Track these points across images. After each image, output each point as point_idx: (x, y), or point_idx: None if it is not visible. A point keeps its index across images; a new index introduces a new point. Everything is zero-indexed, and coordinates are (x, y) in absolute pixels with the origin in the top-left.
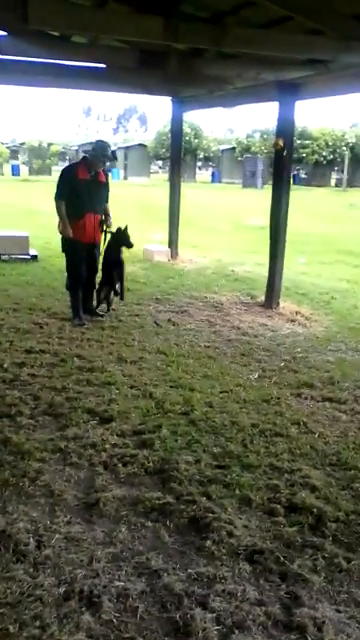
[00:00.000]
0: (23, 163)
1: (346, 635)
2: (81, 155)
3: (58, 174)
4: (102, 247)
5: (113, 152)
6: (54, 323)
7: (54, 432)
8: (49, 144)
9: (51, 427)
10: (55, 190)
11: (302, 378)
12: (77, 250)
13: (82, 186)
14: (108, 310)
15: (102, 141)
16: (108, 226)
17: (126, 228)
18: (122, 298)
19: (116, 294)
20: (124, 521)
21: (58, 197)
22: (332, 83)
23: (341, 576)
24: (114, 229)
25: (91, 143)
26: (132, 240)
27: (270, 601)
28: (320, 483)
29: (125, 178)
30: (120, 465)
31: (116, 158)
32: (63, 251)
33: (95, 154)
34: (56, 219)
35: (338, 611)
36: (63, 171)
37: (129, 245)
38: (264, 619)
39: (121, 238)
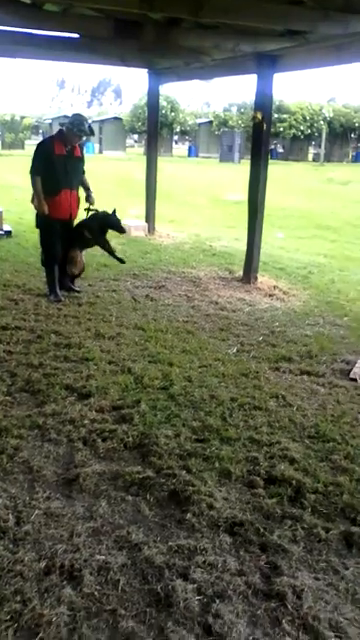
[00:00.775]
0: None
1: (324, 602)
2: (56, 129)
3: (32, 148)
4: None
5: (90, 126)
6: (30, 299)
7: (32, 409)
8: (21, 117)
9: (29, 404)
10: (30, 165)
11: (280, 352)
12: (52, 226)
13: (58, 161)
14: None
15: (79, 115)
16: (91, 203)
17: (114, 212)
18: (123, 261)
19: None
20: (104, 496)
21: (34, 172)
22: (310, 55)
23: (320, 545)
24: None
25: (66, 117)
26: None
27: (250, 571)
28: (299, 455)
29: (100, 152)
30: (99, 440)
31: (93, 133)
32: (37, 227)
33: (72, 128)
34: (30, 194)
35: (317, 579)
36: (38, 146)
37: (121, 230)
38: (244, 588)
39: (109, 221)
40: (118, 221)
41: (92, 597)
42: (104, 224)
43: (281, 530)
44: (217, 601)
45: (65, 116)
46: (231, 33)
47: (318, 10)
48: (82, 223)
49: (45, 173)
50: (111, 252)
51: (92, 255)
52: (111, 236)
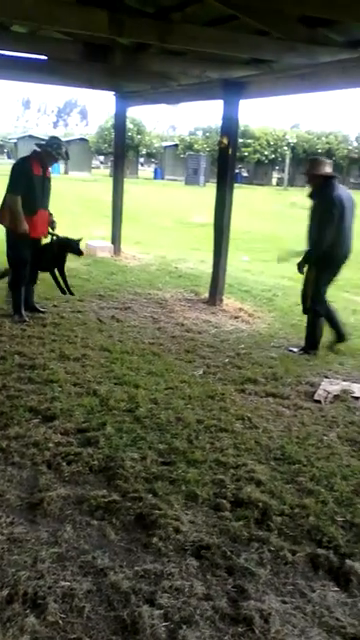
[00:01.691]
0: None
1: (292, 625)
2: (22, 149)
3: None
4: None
5: (66, 151)
6: None
7: None
8: None
9: None
10: (9, 184)
11: (246, 374)
12: (25, 246)
13: (37, 182)
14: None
15: (56, 138)
16: (53, 228)
17: (80, 240)
18: (72, 293)
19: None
20: (69, 520)
21: (13, 192)
22: (276, 83)
23: (286, 568)
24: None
25: (32, 136)
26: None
27: (217, 595)
28: (265, 477)
29: (66, 173)
30: (64, 464)
31: (69, 157)
32: (8, 246)
33: (50, 151)
34: None
35: (284, 602)
36: (18, 166)
37: (79, 253)
38: (211, 613)
39: (71, 246)
40: (78, 246)
41: (56, 626)
42: (66, 246)
43: (248, 553)
44: (184, 627)
45: (31, 136)
46: (198, 60)
47: (284, 41)
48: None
49: (24, 193)
50: (65, 280)
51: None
52: (76, 257)
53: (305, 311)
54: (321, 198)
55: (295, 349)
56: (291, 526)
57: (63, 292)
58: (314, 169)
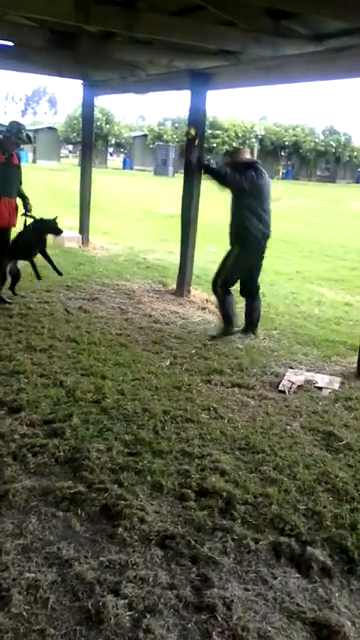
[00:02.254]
0: None
1: (254, 612)
2: None
3: None
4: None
5: (27, 134)
6: None
7: None
8: None
9: None
10: None
11: (212, 365)
12: None
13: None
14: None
15: (16, 122)
16: (29, 210)
17: (55, 218)
18: (60, 274)
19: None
20: (34, 512)
21: None
22: (242, 74)
23: (249, 556)
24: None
25: (0, 124)
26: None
27: (181, 584)
28: (229, 467)
29: (34, 161)
30: (30, 455)
31: (31, 140)
32: None
33: (9, 136)
34: None
35: (246, 590)
36: None
37: (58, 232)
38: (175, 602)
39: (48, 226)
40: (56, 224)
41: (20, 617)
42: (44, 227)
43: (212, 542)
44: (148, 616)
45: (0, 124)
46: (165, 49)
47: (250, 32)
48: (20, 233)
49: None
50: (51, 261)
51: (24, 265)
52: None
53: (214, 291)
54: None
55: (215, 333)
56: (254, 515)
57: (59, 273)
58: (235, 157)
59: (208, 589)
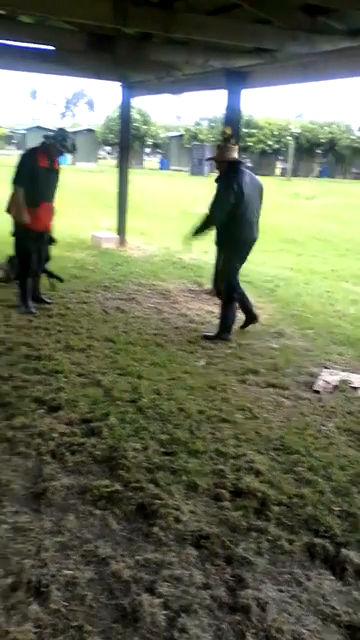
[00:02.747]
0: None
1: (288, 614)
2: (30, 139)
3: (6, 158)
4: None
5: (73, 143)
6: (0, 310)
7: (1, 421)
8: None
9: None
10: (14, 175)
11: (247, 365)
12: (29, 238)
13: (42, 174)
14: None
15: (63, 130)
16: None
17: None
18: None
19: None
20: (72, 510)
21: (18, 183)
22: (278, 73)
23: (284, 557)
24: None
25: (40, 127)
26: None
27: (216, 584)
28: (264, 467)
29: (73, 163)
30: (68, 454)
31: (76, 149)
32: (14, 236)
33: (55, 143)
34: (3, 203)
35: (280, 591)
36: (24, 157)
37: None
38: (210, 602)
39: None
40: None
41: (59, 613)
42: None
43: (246, 543)
44: (183, 615)
45: (39, 127)
46: (201, 49)
47: (286, 30)
48: None
49: (28, 185)
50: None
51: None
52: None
53: (218, 294)
54: (222, 182)
55: (210, 333)
56: (289, 516)
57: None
58: (219, 155)
59: (242, 589)
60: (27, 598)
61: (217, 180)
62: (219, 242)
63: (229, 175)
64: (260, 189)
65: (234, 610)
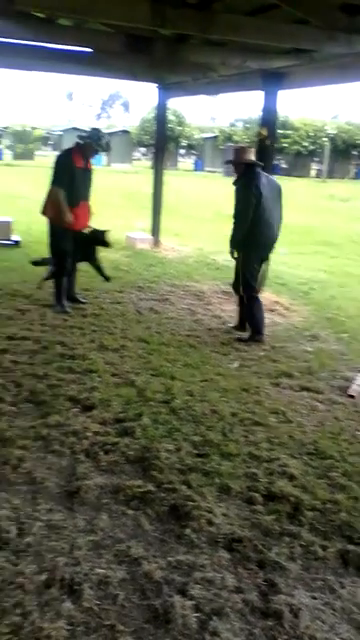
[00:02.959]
0: (7, 147)
1: (321, 621)
2: (66, 140)
3: (42, 159)
4: None
5: (107, 143)
6: (36, 309)
7: (36, 419)
8: (32, 128)
9: (33, 414)
10: (53, 177)
11: (281, 368)
12: (67, 238)
13: (79, 174)
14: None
15: (97, 130)
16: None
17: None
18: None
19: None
20: (105, 509)
21: (58, 184)
22: (316, 73)
23: (317, 563)
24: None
25: (76, 129)
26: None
27: (248, 588)
28: (298, 472)
29: (108, 164)
30: (101, 453)
31: (110, 148)
32: (52, 237)
33: (90, 143)
34: (39, 204)
35: (314, 598)
36: (61, 158)
37: (108, 245)
38: (242, 606)
39: (100, 239)
40: (107, 238)
41: (91, 612)
42: (95, 239)
43: (279, 547)
44: (215, 618)
45: (75, 128)
46: (238, 50)
47: (324, 30)
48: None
49: (67, 185)
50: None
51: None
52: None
53: (237, 292)
54: (241, 184)
55: (245, 335)
56: (322, 521)
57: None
58: (237, 157)
59: (275, 595)
60: (60, 595)
61: (235, 183)
62: (237, 244)
63: (247, 177)
64: (278, 190)
65: (266, 615)
